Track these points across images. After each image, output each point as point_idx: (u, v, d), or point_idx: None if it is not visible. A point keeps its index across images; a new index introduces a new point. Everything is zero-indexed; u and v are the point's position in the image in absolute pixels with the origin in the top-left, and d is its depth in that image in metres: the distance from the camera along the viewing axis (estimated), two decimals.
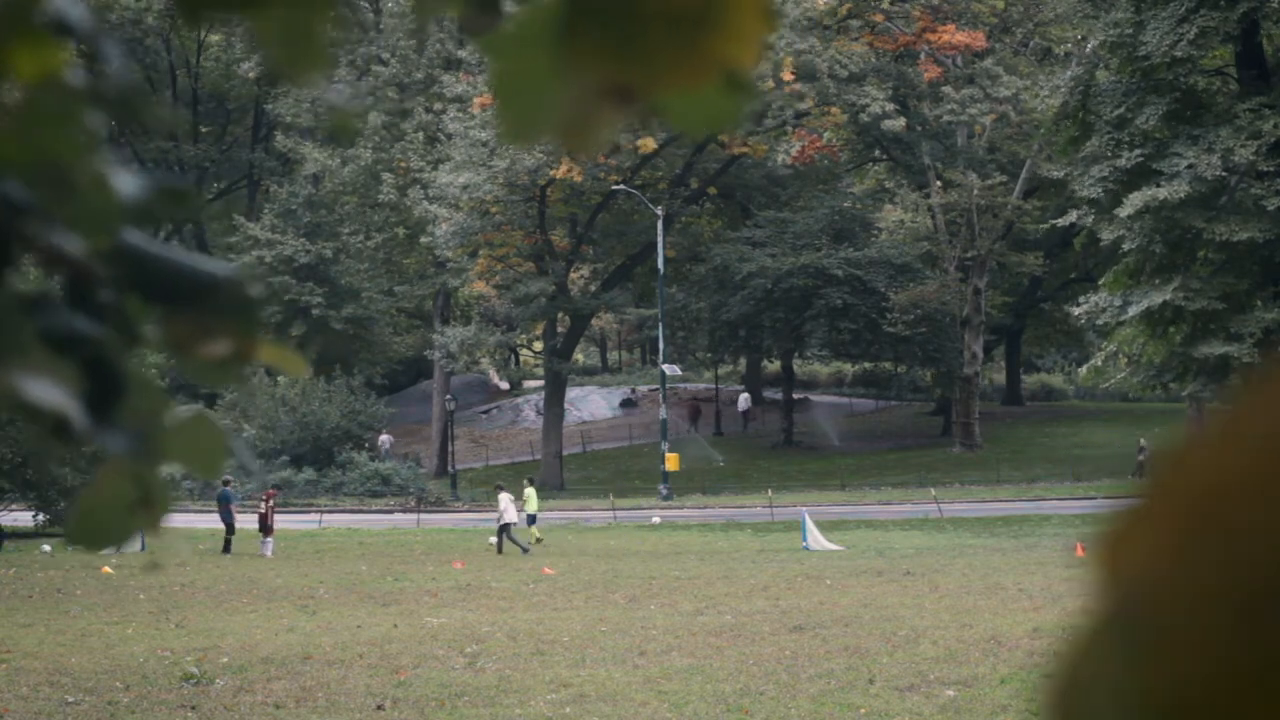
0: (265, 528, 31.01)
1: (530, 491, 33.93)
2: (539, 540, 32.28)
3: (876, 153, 60.32)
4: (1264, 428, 0.54)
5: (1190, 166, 33.56)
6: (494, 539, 31.93)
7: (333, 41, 1.02)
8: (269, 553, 30.36)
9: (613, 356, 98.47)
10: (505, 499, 31.55)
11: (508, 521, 31.17)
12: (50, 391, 0.93)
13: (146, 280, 1.02)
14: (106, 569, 25.90)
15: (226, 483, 31.74)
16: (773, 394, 67.14)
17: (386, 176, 55.40)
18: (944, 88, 50.33)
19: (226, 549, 31.01)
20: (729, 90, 0.86)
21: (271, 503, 31.83)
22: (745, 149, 51.26)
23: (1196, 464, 0.55)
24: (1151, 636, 0.54)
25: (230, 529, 31.46)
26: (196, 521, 36.16)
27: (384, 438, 57.03)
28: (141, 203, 1.00)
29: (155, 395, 1.03)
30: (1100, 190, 35.52)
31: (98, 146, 0.97)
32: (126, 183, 0.99)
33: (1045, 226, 50.25)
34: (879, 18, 52.29)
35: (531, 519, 33.35)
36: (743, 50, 0.84)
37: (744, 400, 67.60)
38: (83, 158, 0.97)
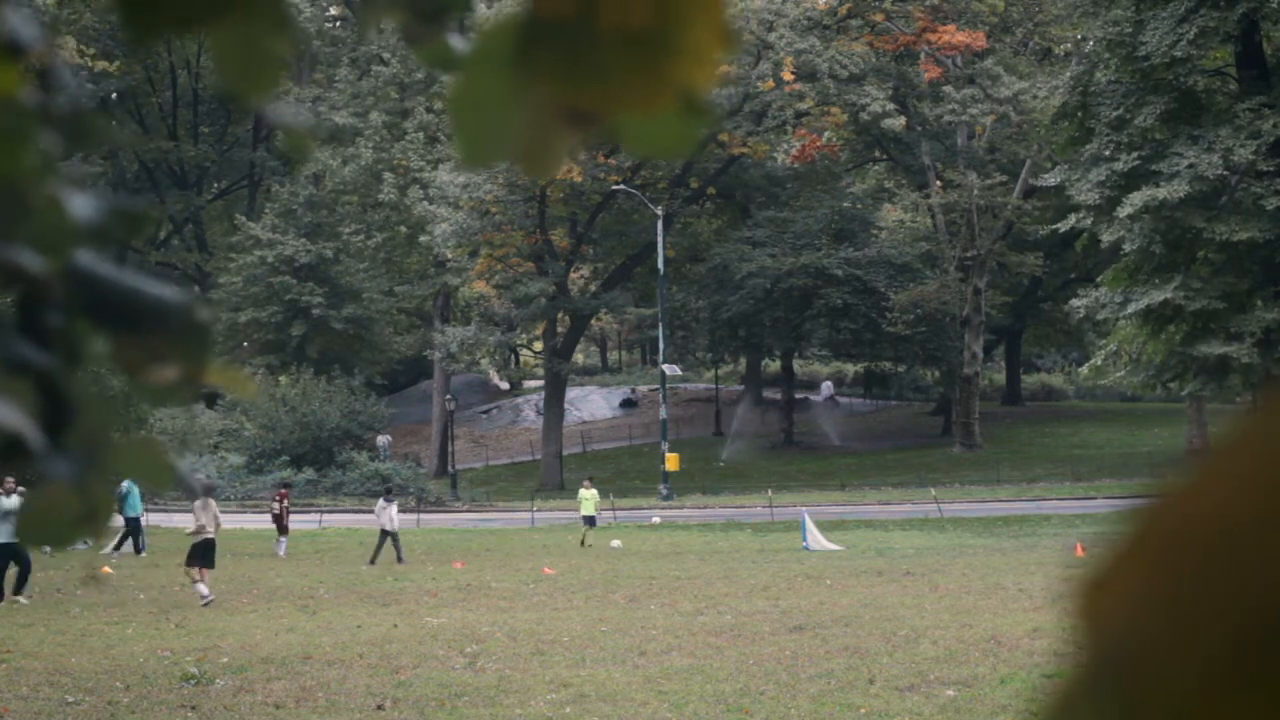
0: (281, 527, 31.08)
1: (585, 494, 33.31)
2: (583, 544, 31.76)
3: (876, 153, 60.36)
4: (1246, 471, 0.53)
5: (1190, 166, 33.55)
6: (616, 542, 31.80)
7: (285, 62, 1.03)
8: (283, 552, 30.41)
9: (613, 356, 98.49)
10: (588, 494, 32.88)
11: (589, 514, 32.48)
12: (4, 411, 0.94)
13: (97, 304, 1.03)
14: (106, 569, 25.92)
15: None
16: (772, 394, 67.16)
17: (387, 176, 55.41)
18: (944, 87, 50.36)
19: (138, 548, 31.08)
20: (686, 113, 0.85)
21: (286, 503, 31.87)
22: (745, 149, 51.27)
23: (1176, 508, 0.54)
24: (1133, 687, 0.52)
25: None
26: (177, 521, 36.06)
27: (382, 439, 57.03)
28: (96, 224, 1.01)
29: (103, 417, 1.05)
30: (1098, 195, 35.51)
31: (52, 167, 0.98)
32: (81, 204, 1.00)
33: (1046, 231, 50.22)
34: (879, 18, 52.30)
35: (589, 520, 32.68)
36: (700, 73, 0.84)
37: (826, 388, 67.85)
38: (37, 179, 0.97)
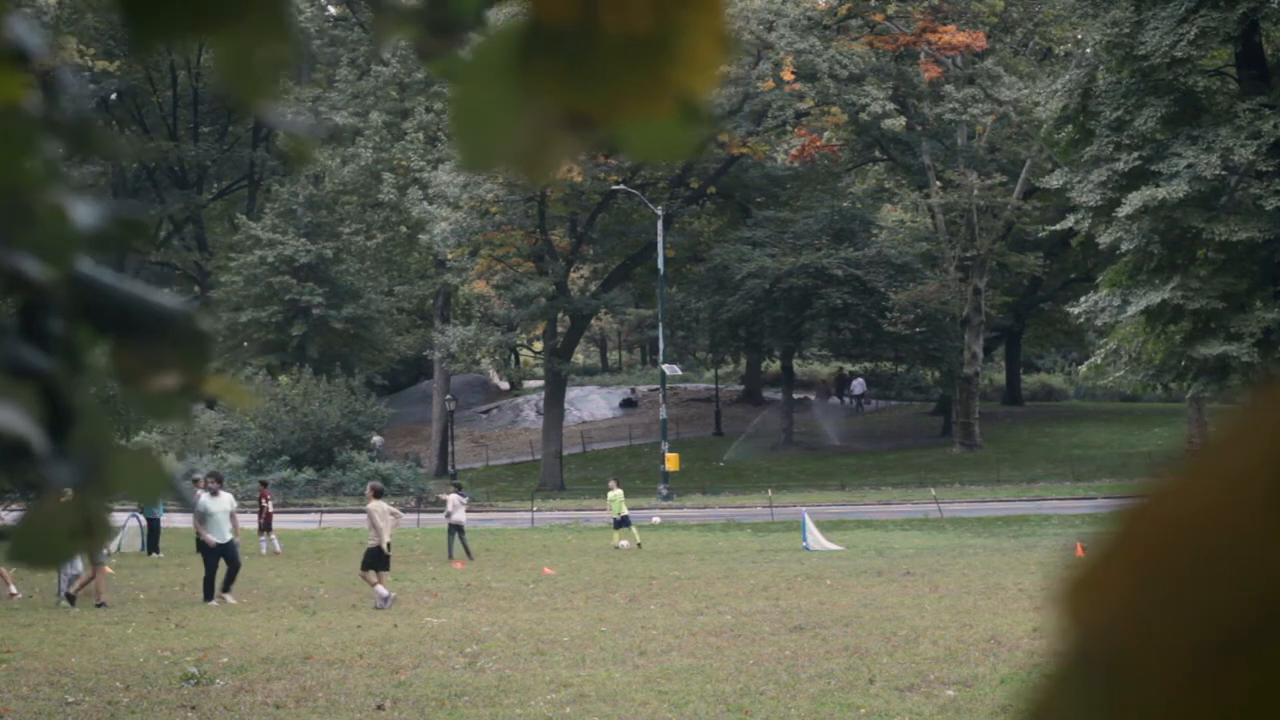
0: (265, 525, 31.33)
1: (613, 494, 32.33)
2: (639, 544, 30.79)
3: (876, 153, 60.33)
4: (1230, 470, 0.54)
5: (1190, 166, 33.54)
6: (624, 542, 30.94)
7: (286, 70, 1.04)
8: (275, 548, 30.70)
9: (613, 356, 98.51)
10: (615, 494, 32.03)
11: (620, 514, 31.62)
12: (9, 415, 0.94)
13: (99, 311, 1.02)
14: (106, 569, 25.89)
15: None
16: (772, 394, 67.18)
17: (387, 176, 55.43)
18: (945, 87, 50.37)
19: (154, 548, 31.09)
20: (684, 119, 0.86)
21: (270, 503, 32.17)
22: (745, 149, 51.26)
23: (1161, 506, 0.55)
24: (1115, 681, 0.53)
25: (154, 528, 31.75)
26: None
27: (376, 438, 56.98)
28: (98, 232, 1.00)
29: (102, 425, 1.04)
30: (1099, 196, 35.51)
31: (56, 175, 0.97)
32: (83, 212, 1.00)
33: (1045, 231, 50.18)
34: (879, 18, 52.29)
35: (621, 521, 31.69)
36: (699, 78, 0.84)
37: (859, 384, 67.87)
38: (41, 186, 0.97)
